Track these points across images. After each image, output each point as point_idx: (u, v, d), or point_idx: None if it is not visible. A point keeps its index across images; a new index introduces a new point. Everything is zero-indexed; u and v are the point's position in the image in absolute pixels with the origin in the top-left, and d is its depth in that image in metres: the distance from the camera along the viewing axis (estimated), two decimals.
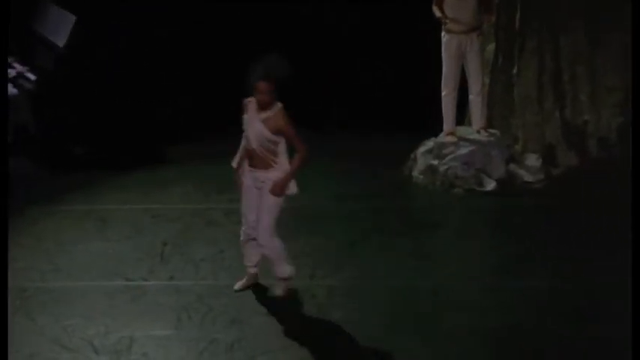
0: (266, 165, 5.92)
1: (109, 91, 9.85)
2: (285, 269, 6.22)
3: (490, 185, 8.21)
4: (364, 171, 8.56)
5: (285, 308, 6.18)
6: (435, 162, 8.36)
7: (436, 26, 8.20)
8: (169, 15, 10.40)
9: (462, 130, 8.64)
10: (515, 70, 8.77)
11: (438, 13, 8.10)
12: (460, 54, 8.20)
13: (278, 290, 6.29)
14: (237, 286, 6.36)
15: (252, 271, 6.35)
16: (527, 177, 8.36)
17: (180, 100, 9.79)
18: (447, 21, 8.06)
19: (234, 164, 6.12)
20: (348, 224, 7.49)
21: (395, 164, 8.63)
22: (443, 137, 8.49)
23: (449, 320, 5.99)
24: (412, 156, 8.60)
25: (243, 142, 6.02)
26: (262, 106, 5.81)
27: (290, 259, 6.24)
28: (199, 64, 10.03)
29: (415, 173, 8.48)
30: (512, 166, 8.45)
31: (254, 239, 6.12)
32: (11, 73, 8.98)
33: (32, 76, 9.02)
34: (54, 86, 9.21)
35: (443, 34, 8.19)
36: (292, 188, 6.03)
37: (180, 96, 9.82)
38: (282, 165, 5.95)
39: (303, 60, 10.45)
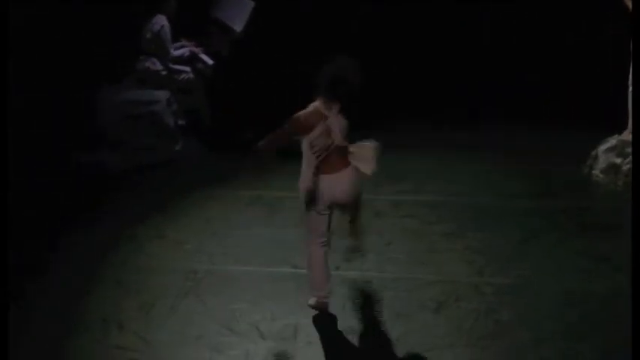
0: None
1: (284, 78, 9.93)
2: None
3: None
4: (540, 169, 8.21)
5: (452, 305, 6.02)
6: (618, 160, 7.93)
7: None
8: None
9: None
10: None
11: (628, 3, 7.68)
12: None
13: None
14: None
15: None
16: None
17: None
18: None
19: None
20: (519, 222, 7.20)
21: (574, 163, 8.25)
22: (627, 135, 8.06)
23: (624, 329, 5.50)
24: (593, 154, 8.20)
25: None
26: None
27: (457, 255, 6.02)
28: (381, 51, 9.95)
29: (595, 172, 8.09)
30: None
31: None
32: (184, 52, 9.19)
33: (209, 60, 9.19)
34: (228, 71, 9.36)
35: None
36: None
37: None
38: None
39: (478, 58, 10.36)
